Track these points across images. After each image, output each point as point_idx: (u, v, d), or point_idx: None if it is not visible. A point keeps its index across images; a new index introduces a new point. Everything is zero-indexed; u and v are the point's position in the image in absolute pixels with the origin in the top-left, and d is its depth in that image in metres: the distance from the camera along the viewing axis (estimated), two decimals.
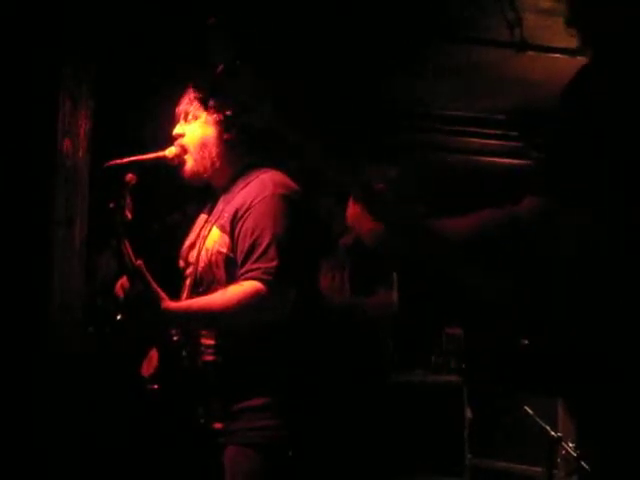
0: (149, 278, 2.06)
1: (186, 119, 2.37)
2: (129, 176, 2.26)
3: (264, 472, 2.14)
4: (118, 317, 2.14)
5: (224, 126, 2.34)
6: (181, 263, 2.40)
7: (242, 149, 2.37)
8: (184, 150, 2.34)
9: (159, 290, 2.08)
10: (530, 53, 3.79)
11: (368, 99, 4.55)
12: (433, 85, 4.37)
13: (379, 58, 3.99)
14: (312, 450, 2.23)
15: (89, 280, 2.46)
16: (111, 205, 2.09)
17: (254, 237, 2.16)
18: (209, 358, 2.21)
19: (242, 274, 2.13)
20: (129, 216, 2.11)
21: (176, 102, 2.40)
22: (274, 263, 2.11)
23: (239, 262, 2.18)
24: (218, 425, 2.18)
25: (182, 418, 2.20)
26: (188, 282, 2.30)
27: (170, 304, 2.08)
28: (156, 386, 2.21)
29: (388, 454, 4.58)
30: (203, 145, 2.34)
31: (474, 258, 1.29)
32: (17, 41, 1.82)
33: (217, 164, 2.34)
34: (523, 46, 3.72)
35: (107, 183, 2.18)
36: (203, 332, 2.23)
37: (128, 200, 2.12)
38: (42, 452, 1.90)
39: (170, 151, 2.37)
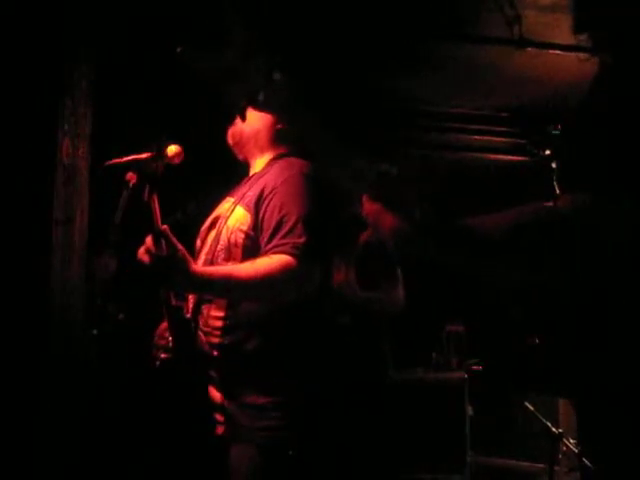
0: (175, 241, 2.03)
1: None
2: (129, 175, 2.26)
3: (267, 472, 2.13)
4: (120, 317, 2.14)
5: (275, 118, 2.40)
6: (198, 243, 2.40)
7: (286, 140, 2.42)
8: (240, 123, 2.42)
9: (186, 253, 2.04)
10: (529, 50, 3.79)
11: (368, 97, 4.55)
12: (433, 83, 4.38)
13: (379, 56, 3.99)
14: (315, 450, 2.23)
15: (89, 280, 2.46)
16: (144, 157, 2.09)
17: (282, 214, 2.15)
18: (215, 340, 2.21)
19: (270, 249, 2.12)
20: (161, 169, 2.10)
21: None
22: (303, 239, 2.10)
23: (266, 238, 2.16)
24: (222, 417, 2.18)
25: (187, 400, 2.21)
26: (202, 261, 2.30)
27: (198, 268, 2.06)
28: (164, 355, 2.22)
29: (390, 452, 4.58)
30: (257, 130, 2.42)
31: (506, 257, 1.29)
32: (18, 41, 1.82)
33: (261, 143, 2.41)
34: (522, 43, 3.72)
35: (107, 182, 2.18)
36: (212, 313, 2.23)
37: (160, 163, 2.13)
38: (45, 452, 1.90)
39: (171, 150, 2.37)
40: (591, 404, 1.31)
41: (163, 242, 2.01)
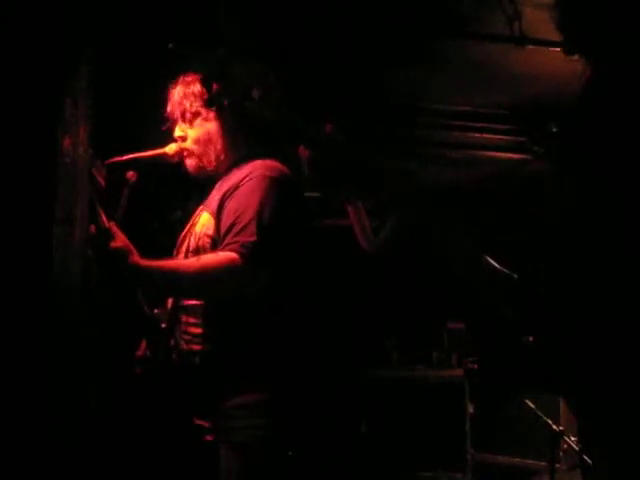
0: (120, 235, 2.06)
1: (184, 118, 2.36)
2: (130, 173, 2.27)
3: (255, 472, 2.14)
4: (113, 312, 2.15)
5: (225, 117, 2.35)
6: (175, 253, 2.40)
7: (241, 139, 2.37)
8: (188, 152, 2.35)
9: (130, 246, 2.07)
10: (529, 47, 3.78)
11: (367, 94, 4.55)
12: (432, 80, 4.37)
13: (379, 53, 3.99)
14: (303, 447, 2.23)
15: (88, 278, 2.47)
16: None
17: (237, 214, 2.16)
18: (196, 347, 2.22)
19: (221, 247, 2.14)
20: (102, 184, 2.11)
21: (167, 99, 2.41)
22: (252, 238, 2.10)
23: (221, 238, 2.18)
24: (208, 423, 2.19)
25: (172, 410, 2.22)
26: None
27: (139, 260, 2.07)
28: (139, 370, 2.24)
29: (391, 449, 4.59)
30: (208, 141, 2.35)
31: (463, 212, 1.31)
32: (17, 41, 1.82)
33: (221, 156, 2.36)
34: (522, 40, 3.72)
35: (107, 180, 2.18)
36: (190, 320, 2.23)
37: (101, 171, 2.13)
38: (44, 450, 1.90)
39: (170, 148, 2.38)
40: (589, 401, 1.32)
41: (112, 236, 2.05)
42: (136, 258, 2.06)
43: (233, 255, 2.08)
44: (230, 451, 2.14)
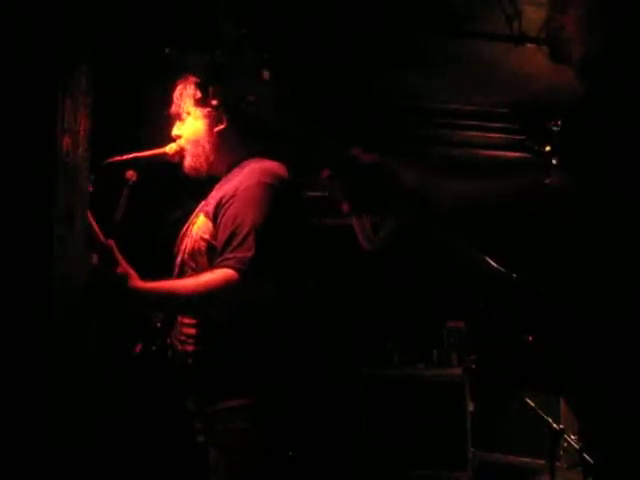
0: (119, 257, 2.04)
1: (181, 119, 2.38)
2: (129, 173, 2.27)
3: (242, 475, 2.14)
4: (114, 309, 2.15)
5: (214, 118, 2.35)
6: (175, 249, 2.41)
7: (236, 139, 2.37)
8: (185, 152, 2.36)
9: (128, 269, 2.04)
10: (529, 46, 3.78)
11: (365, 94, 4.54)
12: (432, 79, 4.37)
13: (379, 52, 3.99)
14: (308, 448, 2.23)
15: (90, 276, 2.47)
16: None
17: (234, 226, 2.15)
18: (189, 348, 2.22)
19: (219, 262, 2.13)
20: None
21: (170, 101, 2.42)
22: (250, 253, 2.09)
23: (219, 250, 2.17)
24: (199, 424, 2.20)
25: (164, 409, 2.23)
26: (176, 271, 2.31)
27: (138, 283, 2.04)
28: (138, 349, 2.24)
29: (391, 448, 4.59)
30: (196, 141, 2.35)
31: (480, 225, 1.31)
32: (17, 40, 1.82)
33: (211, 157, 2.36)
34: (522, 39, 3.72)
35: (107, 180, 2.18)
36: (185, 321, 2.24)
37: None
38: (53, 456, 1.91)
39: (170, 148, 2.38)
40: (589, 401, 1.32)
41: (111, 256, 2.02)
42: (135, 281, 2.04)
43: (230, 272, 2.08)
44: (219, 453, 2.15)
